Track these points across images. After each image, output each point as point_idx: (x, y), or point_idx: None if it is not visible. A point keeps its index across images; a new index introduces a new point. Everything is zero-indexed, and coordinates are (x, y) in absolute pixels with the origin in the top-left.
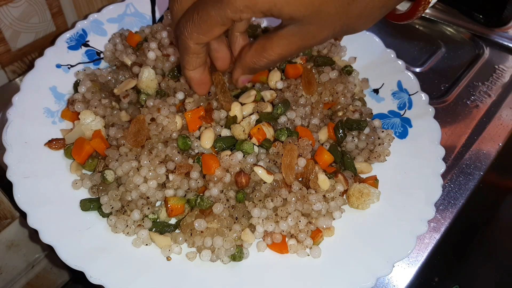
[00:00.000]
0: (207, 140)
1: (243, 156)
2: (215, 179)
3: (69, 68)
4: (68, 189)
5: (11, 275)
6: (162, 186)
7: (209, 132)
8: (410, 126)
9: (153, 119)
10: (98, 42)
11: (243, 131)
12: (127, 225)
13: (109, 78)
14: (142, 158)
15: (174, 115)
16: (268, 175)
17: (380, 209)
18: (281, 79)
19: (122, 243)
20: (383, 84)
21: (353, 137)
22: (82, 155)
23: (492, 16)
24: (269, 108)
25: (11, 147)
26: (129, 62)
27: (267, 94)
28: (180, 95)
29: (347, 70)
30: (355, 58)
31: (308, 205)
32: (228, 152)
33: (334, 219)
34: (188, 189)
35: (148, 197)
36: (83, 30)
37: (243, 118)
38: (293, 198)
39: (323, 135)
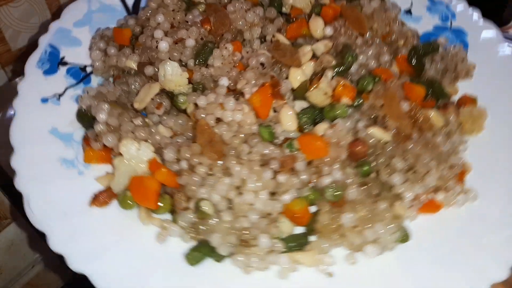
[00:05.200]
0: (289, 121)
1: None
2: (329, 160)
3: (58, 99)
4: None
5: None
6: (272, 194)
7: (287, 110)
8: (465, 34)
9: (219, 119)
10: (76, 55)
11: (325, 94)
12: (261, 258)
13: (120, 92)
14: (236, 169)
15: (241, 105)
16: (386, 132)
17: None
18: None
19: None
20: (412, 2)
21: (431, 62)
22: (151, 197)
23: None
24: (332, 60)
25: (47, 223)
26: (134, 65)
27: (320, 47)
28: (224, 81)
29: None
30: None
31: (435, 148)
32: (322, 125)
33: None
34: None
35: (269, 213)
36: (51, 46)
37: (311, 80)
38: (419, 147)
39: (394, 71)
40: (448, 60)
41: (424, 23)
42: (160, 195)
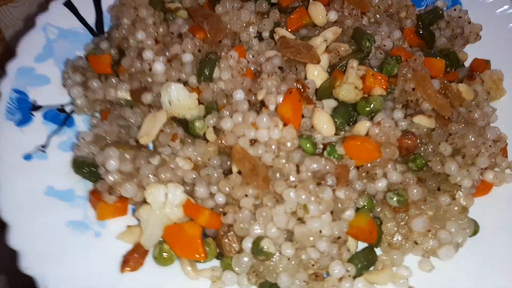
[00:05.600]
0: (325, 124)
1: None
2: (382, 161)
3: (43, 151)
4: None
5: None
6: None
7: (320, 113)
8: None
9: (254, 141)
10: (47, 95)
11: (355, 88)
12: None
13: (119, 130)
14: (291, 195)
15: (274, 119)
16: (429, 119)
17: None
18: None
19: None
20: None
21: (439, 31)
22: (196, 246)
23: None
24: (349, 48)
25: None
26: (127, 95)
27: (329, 35)
28: (240, 95)
29: None
30: None
31: (473, 125)
32: (362, 123)
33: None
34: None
35: (339, 237)
36: (16, 91)
37: (331, 73)
38: (464, 128)
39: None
40: (454, 24)
41: None
42: (205, 241)
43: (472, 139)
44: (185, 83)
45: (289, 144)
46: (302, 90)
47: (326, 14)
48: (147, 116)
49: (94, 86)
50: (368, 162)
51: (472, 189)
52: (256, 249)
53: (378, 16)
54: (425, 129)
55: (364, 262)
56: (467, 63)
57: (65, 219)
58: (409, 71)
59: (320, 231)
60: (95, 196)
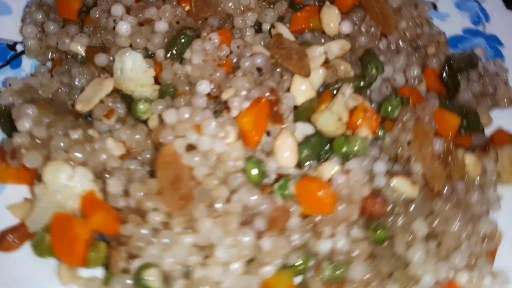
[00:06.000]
0: (286, 152)
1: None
2: (334, 219)
3: None
4: None
5: None
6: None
7: (286, 138)
8: (501, 44)
9: (191, 147)
10: (3, 26)
11: (339, 120)
12: None
13: (58, 86)
14: (206, 226)
15: (222, 127)
16: (413, 186)
17: None
18: None
19: None
20: None
21: (468, 83)
22: (79, 250)
23: None
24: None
25: None
26: (81, 50)
27: (334, 48)
28: (204, 87)
29: None
30: None
31: (468, 210)
32: (331, 164)
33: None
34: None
35: None
36: None
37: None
38: (451, 209)
39: (422, 88)
40: (487, 81)
41: (452, 21)
42: (93, 241)
43: (456, 228)
44: (151, 56)
45: (230, 164)
46: (274, 103)
47: (339, 23)
48: (94, 81)
49: (49, 30)
50: (317, 214)
51: None
52: (137, 277)
53: (400, 43)
54: (402, 197)
55: None
56: (488, 130)
57: None
58: (411, 118)
59: (220, 283)
60: (0, 154)
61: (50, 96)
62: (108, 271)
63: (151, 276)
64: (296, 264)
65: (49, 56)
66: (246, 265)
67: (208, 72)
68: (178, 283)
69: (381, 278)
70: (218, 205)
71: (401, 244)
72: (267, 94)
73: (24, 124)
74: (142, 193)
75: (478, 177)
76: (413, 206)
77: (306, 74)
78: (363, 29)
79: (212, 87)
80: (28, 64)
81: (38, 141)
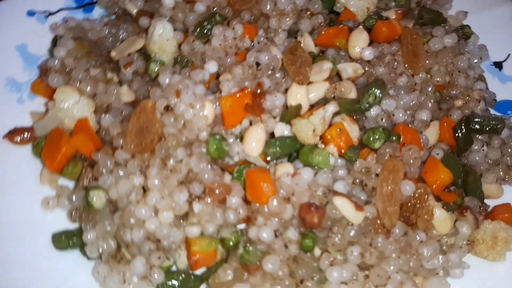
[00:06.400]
0: (254, 143)
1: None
2: (267, 212)
3: (46, 16)
4: (36, 211)
5: None
6: (182, 218)
7: (257, 130)
8: None
9: (168, 108)
10: None
11: (313, 131)
12: (125, 281)
13: (105, 33)
14: (151, 173)
15: (202, 101)
16: (357, 212)
17: None
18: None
19: None
20: (510, 54)
21: (483, 145)
22: (57, 159)
23: None
24: (352, 92)
25: None
26: (133, 11)
27: (348, 69)
28: (211, 67)
29: (464, 33)
30: (466, 13)
31: (417, 260)
32: (288, 166)
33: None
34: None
35: (159, 240)
36: None
37: (311, 107)
38: (393, 250)
39: (432, 135)
40: (509, 152)
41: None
42: (73, 159)
43: (389, 274)
44: (185, 31)
45: (195, 131)
46: (259, 96)
47: (363, 48)
48: (131, 37)
49: None
50: (254, 202)
51: None
52: (87, 194)
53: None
54: (342, 218)
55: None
56: (495, 201)
57: (8, 74)
58: (388, 153)
59: (144, 221)
60: (41, 71)
61: (96, 40)
62: (76, 185)
63: (96, 197)
64: (226, 238)
65: (115, 10)
66: (178, 219)
67: (218, 55)
68: (117, 213)
69: (291, 281)
70: (170, 162)
71: (324, 258)
72: (253, 87)
73: (59, 52)
74: (116, 131)
75: (445, 236)
76: (353, 231)
77: (301, 82)
78: (386, 59)
79: (222, 69)
80: (97, 13)
81: (67, 68)
